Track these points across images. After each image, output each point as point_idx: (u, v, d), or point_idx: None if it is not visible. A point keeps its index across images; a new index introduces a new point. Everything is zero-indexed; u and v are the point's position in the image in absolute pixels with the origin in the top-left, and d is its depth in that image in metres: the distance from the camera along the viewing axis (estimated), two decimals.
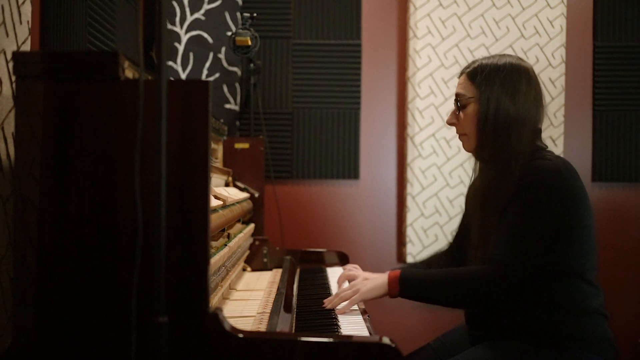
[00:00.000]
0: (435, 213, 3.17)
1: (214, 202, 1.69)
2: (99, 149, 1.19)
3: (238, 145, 2.64)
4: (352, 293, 1.70)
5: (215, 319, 1.19)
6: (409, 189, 3.18)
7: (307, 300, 1.85)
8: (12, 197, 1.44)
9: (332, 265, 2.48)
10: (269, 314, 1.60)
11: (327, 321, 1.60)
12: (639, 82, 3.25)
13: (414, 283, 1.66)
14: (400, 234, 3.26)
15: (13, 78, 1.48)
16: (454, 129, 1.80)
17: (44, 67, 1.22)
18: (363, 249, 3.23)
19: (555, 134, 3.18)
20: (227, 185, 2.42)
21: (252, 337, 1.21)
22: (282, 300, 1.74)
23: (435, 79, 3.19)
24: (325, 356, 1.21)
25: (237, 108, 3.09)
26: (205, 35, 2.99)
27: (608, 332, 1.65)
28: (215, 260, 1.60)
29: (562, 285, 1.61)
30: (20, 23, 1.56)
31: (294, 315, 1.65)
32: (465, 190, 2.95)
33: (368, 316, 1.69)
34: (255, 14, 2.88)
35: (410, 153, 3.18)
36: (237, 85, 3.08)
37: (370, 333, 1.54)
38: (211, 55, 3.00)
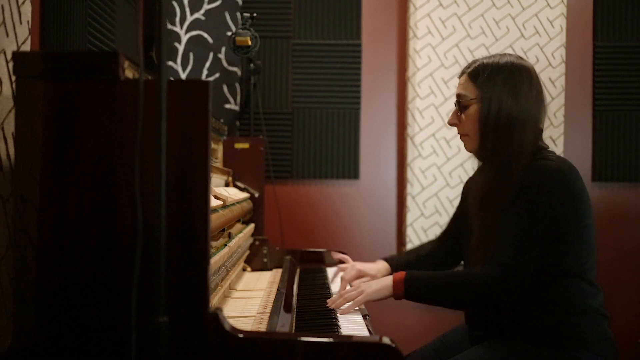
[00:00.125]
0: (435, 213, 3.17)
1: (214, 202, 1.69)
2: (99, 149, 1.19)
3: (238, 145, 2.64)
4: (356, 294, 1.70)
5: (215, 319, 1.19)
6: (409, 189, 3.18)
7: (307, 300, 1.85)
8: (12, 197, 1.44)
9: (332, 265, 2.48)
10: (269, 314, 1.60)
11: (327, 321, 1.60)
12: (639, 82, 3.24)
13: (418, 285, 1.66)
14: (400, 234, 3.26)
15: (13, 78, 1.48)
16: (454, 129, 1.80)
17: (44, 67, 1.22)
18: (363, 249, 3.23)
19: (555, 134, 3.18)
20: (227, 185, 2.42)
21: (252, 337, 1.21)
22: (282, 300, 1.74)
23: (435, 79, 3.19)
24: (325, 356, 1.21)
25: (237, 108, 3.09)
26: (205, 35, 2.99)
27: (608, 332, 1.65)
28: (215, 260, 1.60)
29: (562, 285, 1.61)
30: (20, 23, 1.56)
31: (294, 315, 1.65)
32: None
33: (368, 316, 1.69)
34: (255, 14, 2.88)
35: (410, 153, 3.18)
36: (237, 85, 3.08)
37: (370, 333, 1.54)
38: (211, 55, 3.00)
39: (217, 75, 3.01)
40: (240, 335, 1.19)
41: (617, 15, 3.25)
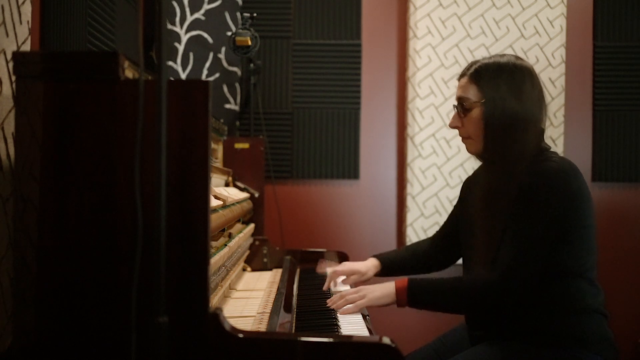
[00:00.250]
0: (435, 213, 3.17)
1: (214, 202, 1.69)
2: (99, 149, 1.19)
3: (238, 145, 2.64)
4: (358, 297, 1.70)
5: (215, 319, 1.19)
6: (409, 189, 3.18)
7: (307, 300, 1.85)
8: (12, 197, 1.44)
9: (332, 265, 2.48)
10: (269, 314, 1.60)
11: (327, 321, 1.60)
12: (639, 82, 3.24)
13: (421, 294, 1.66)
14: (400, 234, 3.26)
15: (13, 78, 1.48)
16: (454, 129, 1.79)
17: (44, 67, 1.22)
18: (363, 249, 3.23)
19: (555, 134, 3.18)
20: (227, 185, 2.42)
21: (252, 337, 1.21)
22: (282, 300, 1.74)
23: (435, 79, 3.19)
24: (325, 356, 1.21)
25: (237, 108, 3.09)
26: (205, 35, 2.99)
27: (608, 331, 1.65)
28: (215, 260, 1.60)
29: (563, 285, 1.61)
30: (20, 23, 1.56)
31: (294, 315, 1.65)
32: None
33: (368, 316, 1.69)
34: (255, 14, 2.88)
35: (410, 153, 3.18)
36: (237, 85, 3.08)
37: (370, 333, 1.54)
38: (211, 55, 3.00)
39: (217, 75, 3.01)
40: (240, 335, 1.19)
41: (617, 15, 3.25)
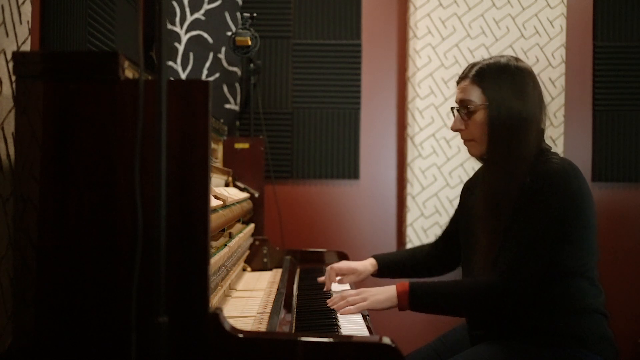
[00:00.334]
0: (435, 213, 3.17)
1: (214, 202, 1.69)
2: (99, 149, 1.19)
3: (238, 145, 2.64)
4: (360, 299, 1.69)
5: (215, 319, 1.19)
6: (409, 189, 3.18)
7: (307, 300, 1.85)
8: (12, 197, 1.44)
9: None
10: (269, 314, 1.60)
11: (327, 321, 1.60)
12: (639, 82, 3.24)
13: (423, 297, 1.65)
14: (400, 234, 3.26)
15: (13, 78, 1.48)
16: (456, 132, 1.78)
17: (44, 67, 1.22)
18: (363, 249, 3.23)
19: (555, 134, 3.18)
20: (227, 185, 2.42)
21: (252, 337, 1.21)
22: (282, 300, 1.74)
23: (435, 79, 3.19)
24: (326, 356, 1.21)
25: (237, 108, 3.09)
26: (205, 35, 2.99)
27: (608, 331, 1.65)
28: (215, 260, 1.60)
29: (563, 285, 1.61)
30: (20, 23, 1.56)
31: (294, 315, 1.65)
32: None
33: (368, 316, 1.69)
34: (255, 14, 2.88)
35: (410, 153, 3.18)
36: (237, 85, 3.08)
37: (370, 333, 1.54)
38: (211, 55, 3.00)
39: (217, 75, 3.01)
40: (240, 335, 1.19)
41: (617, 15, 3.25)
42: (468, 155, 1.81)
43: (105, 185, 1.19)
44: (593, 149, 3.26)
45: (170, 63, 2.92)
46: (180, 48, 2.94)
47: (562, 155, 2.95)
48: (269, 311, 1.63)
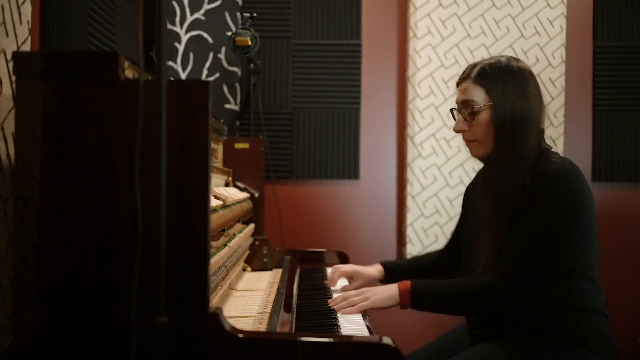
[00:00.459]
0: (435, 213, 3.17)
1: (214, 202, 1.69)
2: (99, 149, 1.19)
3: (238, 145, 2.64)
4: (361, 299, 1.69)
5: (215, 319, 1.19)
6: (409, 189, 3.18)
7: (307, 300, 1.85)
8: (12, 197, 1.44)
9: (332, 265, 2.48)
10: (269, 314, 1.60)
11: (327, 321, 1.60)
12: (639, 82, 3.25)
13: (425, 296, 1.65)
14: (400, 234, 3.26)
15: (13, 78, 1.48)
16: (458, 133, 1.77)
17: (44, 67, 1.22)
18: (363, 249, 3.23)
19: (555, 134, 3.18)
20: (227, 185, 2.42)
21: (252, 337, 1.21)
22: (282, 300, 1.74)
23: (435, 79, 3.19)
24: (326, 356, 1.21)
25: (237, 108, 3.09)
26: (205, 35, 2.99)
27: (608, 331, 1.65)
28: (215, 260, 1.60)
29: (564, 285, 1.61)
30: (20, 23, 1.56)
31: (294, 315, 1.65)
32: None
33: (368, 316, 1.69)
34: (255, 14, 2.88)
35: (410, 153, 3.18)
36: (237, 85, 3.08)
37: (370, 333, 1.54)
38: (211, 55, 3.00)
39: (217, 75, 3.01)
40: (240, 335, 1.19)
41: (617, 15, 3.25)
42: (468, 155, 1.81)
43: (105, 185, 1.19)
44: (593, 149, 3.26)
45: (170, 63, 2.92)
46: (180, 48, 2.94)
47: (562, 155, 2.95)
48: (269, 311, 1.63)
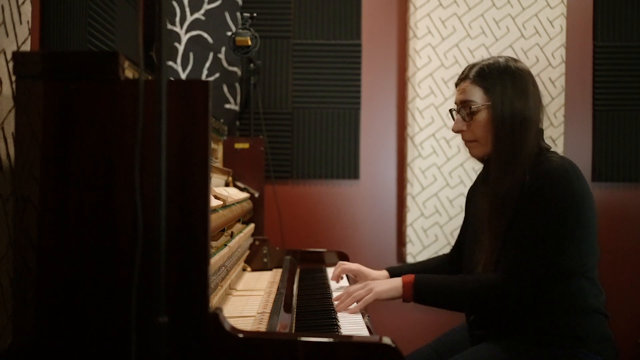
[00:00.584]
0: (435, 213, 3.17)
1: (214, 202, 1.69)
2: (99, 149, 1.19)
3: (238, 145, 2.64)
4: (365, 292, 1.70)
5: (215, 319, 1.19)
6: (409, 189, 3.18)
7: (307, 300, 1.85)
8: (12, 197, 1.44)
9: (332, 265, 2.48)
10: (269, 314, 1.60)
11: (327, 321, 1.60)
12: (639, 82, 3.25)
13: (427, 290, 1.66)
14: (400, 234, 3.26)
15: (13, 78, 1.48)
16: (457, 133, 1.77)
17: (44, 67, 1.22)
18: (363, 249, 3.23)
19: (555, 134, 3.18)
20: (227, 185, 2.42)
21: (252, 337, 1.21)
22: (282, 300, 1.74)
23: (435, 79, 3.19)
24: (326, 356, 1.21)
25: (237, 108, 3.09)
26: (205, 35, 2.99)
27: (608, 331, 1.65)
28: (215, 260, 1.60)
29: (564, 284, 1.61)
30: (20, 23, 1.56)
31: (294, 315, 1.65)
32: (465, 190, 2.95)
33: (368, 316, 1.69)
34: (255, 14, 2.88)
35: (410, 153, 3.18)
36: (237, 85, 3.08)
37: (370, 333, 1.54)
38: (211, 55, 3.00)
39: (217, 75, 3.01)
40: (240, 335, 1.19)
41: (617, 15, 3.25)
42: (468, 155, 1.81)
43: (105, 185, 1.19)
44: (593, 149, 3.26)
45: (170, 63, 2.92)
46: (180, 48, 2.94)
47: (562, 155, 2.95)
48: (269, 311, 1.63)
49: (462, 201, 2.85)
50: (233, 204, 1.96)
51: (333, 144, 3.22)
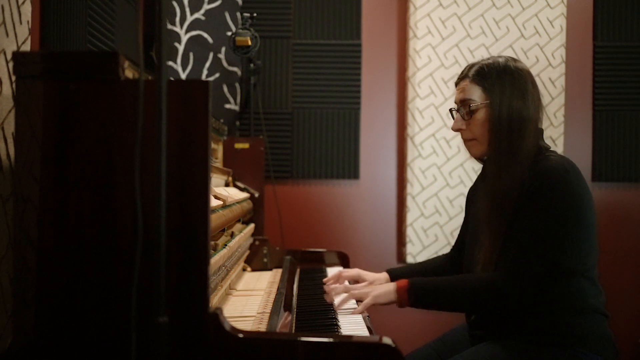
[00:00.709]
0: (435, 213, 3.17)
1: (214, 202, 1.69)
2: (99, 149, 1.19)
3: (238, 145, 2.64)
4: (363, 294, 1.70)
5: (215, 319, 1.19)
6: (409, 189, 3.18)
7: (307, 300, 1.85)
8: (12, 197, 1.44)
9: (332, 265, 2.48)
10: (269, 314, 1.60)
11: (327, 321, 1.60)
12: (639, 82, 3.25)
13: (423, 293, 1.65)
14: (400, 234, 3.26)
15: (13, 78, 1.48)
16: (457, 132, 1.78)
17: (44, 67, 1.22)
18: (363, 249, 3.23)
19: (555, 134, 3.18)
20: (227, 185, 2.42)
21: (252, 337, 1.21)
22: (282, 300, 1.74)
23: (435, 79, 3.19)
24: (326, 356, 1.21)
25: (237, 108, 3.09)
26: (205, 35, 2.99)
27: (608, 331, 1.65)
28: (215, 260, 1.60)
29: (563, 284, 1.61)
30: (20, 23, 1.56)
31: (294, 315, 1.65)
32: (465, 190, 2.96)
33: (368, 316, 1.69)
34: (255, 14, 2.88)
35: (410, 153, 3.18)
36: (237, 85, 3.08)
37: (370, 333, 1.54)
38: (211, 55, 3.00)
39: (217, 75, 3.01)
40: (240, 335, 1.19)
41: (617, 15, 3.25)
42: (468, 155, 1.81)
43: (105, 185, 1.19)
44: (593, 149, 3.26)
45: (170, 63, 2.92)
46: (180, 48, 2.94)
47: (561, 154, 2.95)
48: (269, 311, 1.63)
49: (462, 201, 2.85)
50: (233, 204, 1.96)
51: (333, 144, 3.22)
